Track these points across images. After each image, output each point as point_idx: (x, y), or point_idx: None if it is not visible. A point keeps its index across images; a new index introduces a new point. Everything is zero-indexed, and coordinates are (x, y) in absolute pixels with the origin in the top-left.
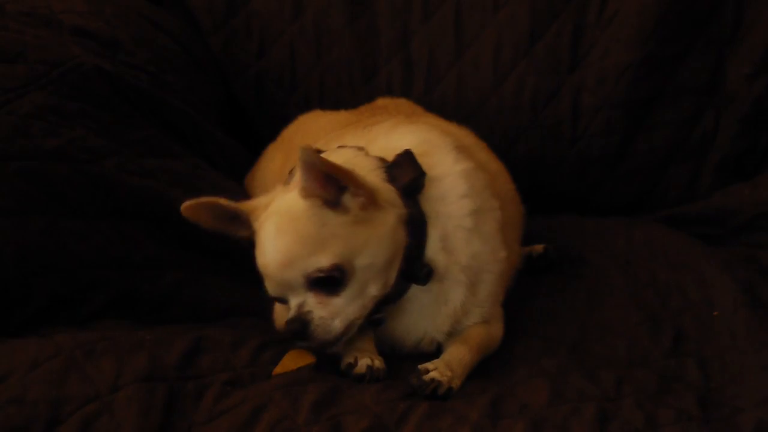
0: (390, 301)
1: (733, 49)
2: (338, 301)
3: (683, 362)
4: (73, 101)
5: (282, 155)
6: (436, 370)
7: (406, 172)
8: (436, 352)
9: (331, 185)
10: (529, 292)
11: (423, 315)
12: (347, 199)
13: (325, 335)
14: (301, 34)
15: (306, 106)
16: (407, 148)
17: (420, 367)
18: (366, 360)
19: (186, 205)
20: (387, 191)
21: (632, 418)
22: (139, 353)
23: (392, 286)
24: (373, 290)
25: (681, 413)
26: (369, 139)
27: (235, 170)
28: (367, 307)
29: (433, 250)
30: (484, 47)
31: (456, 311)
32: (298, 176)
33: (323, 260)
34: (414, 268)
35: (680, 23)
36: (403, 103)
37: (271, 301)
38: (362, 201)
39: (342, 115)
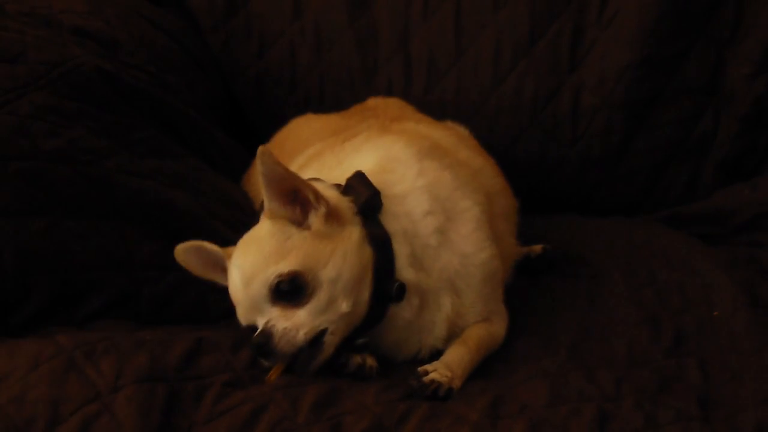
0: (371, 324)
1: (733, 49)
2: (302, 313)
3: (683, 362)
4: (73, 101)
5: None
6: (435, 372)
7: (359, 194)
8: (436, 353)
9: (295, 204)
10: (529, 292)
11: (413, 329)
12: (311, 218)
13: (289, 347)
14: (301, 34)
15: (306, 106)
16: (366, 167)
17: (419, 369)
18: (357, 358)
19: (178, 249)
20: (347, 208)
21: (632, 418)
22: (139, 353)
23: (367, 306)
24: (344, 306)
25: (681, 413)
26: (340, 158)
27: (235, 170)
28: (340, 326)
29: (402, 267)
30: (484, 47)
31: (449, 316)
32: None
33: (283, 267)
34: (385, 286)
35: (680, 23)
36: (394, 102)
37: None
38: (323, 213)
39: (333, 119)
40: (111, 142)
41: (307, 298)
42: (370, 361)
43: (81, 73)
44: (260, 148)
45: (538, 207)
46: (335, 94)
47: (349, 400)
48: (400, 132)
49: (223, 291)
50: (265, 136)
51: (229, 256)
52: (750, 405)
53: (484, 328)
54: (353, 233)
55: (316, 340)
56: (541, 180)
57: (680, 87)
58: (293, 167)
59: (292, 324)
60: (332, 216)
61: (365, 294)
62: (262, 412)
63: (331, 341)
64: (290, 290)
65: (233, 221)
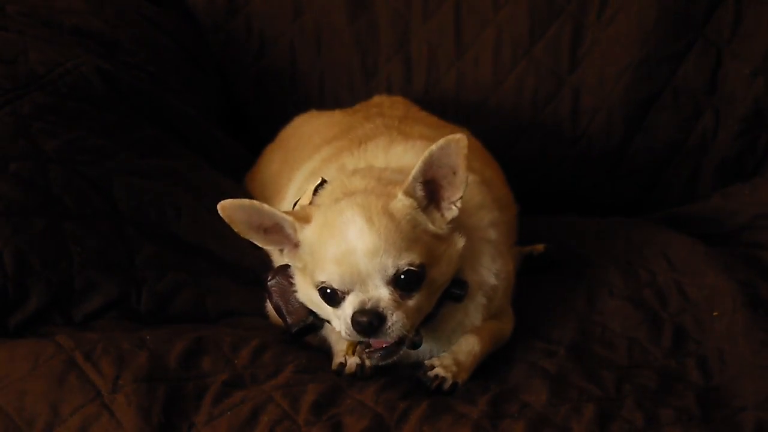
0: (428, 320)
1: (733, 49)
2: (411, 303)
3: (683, 362)
4: (73, 101)
5: (280, 157)
6: (440, 366)
7: None
8: None
9: (427, 193)
10: (529, 292)
11: (435, 338)
12: (432, 212)
13: (396, 334)
14: (301, 34)
15: (306, 106)
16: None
17: (426, 362)
18: (355, 359)
19: (224, 204)
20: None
21: (632, 417)
22: (139, 353)
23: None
24: (427, 306)
25: (681, 413)
26: (368, 158)
27: (235, 170)
28: (418, 322)
29: (464, 268)
30: (484, 47)
31: (473, 330)
32: (407, 176)
33: (416, 258)
34: (450, 287)
35: (680, 23)
36: (398, 101)
37: (327, 294)
38: (452, 216)
39: (336, 116)
40: (111, 142)
41: (417, 291)
42: (369, 362)
43: (81, 73)
44: (460, 136)
45: (538, 207)
46: (335, 94)
47: (349, 399)
48: (421, 137)
49: (223, 291)
50: (266, 136)
51: (302, 220)
52: (750, 405)
53: (495, 323)
54: (459, 242)
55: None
56: (541, 180)
57: (680, 87)
58: (304, 173)
59: (404, 313)
60: (449, 224)
61: (437, 299)
62: (262, 411)
63: (412, 335)
64: (409, 282)
65: None
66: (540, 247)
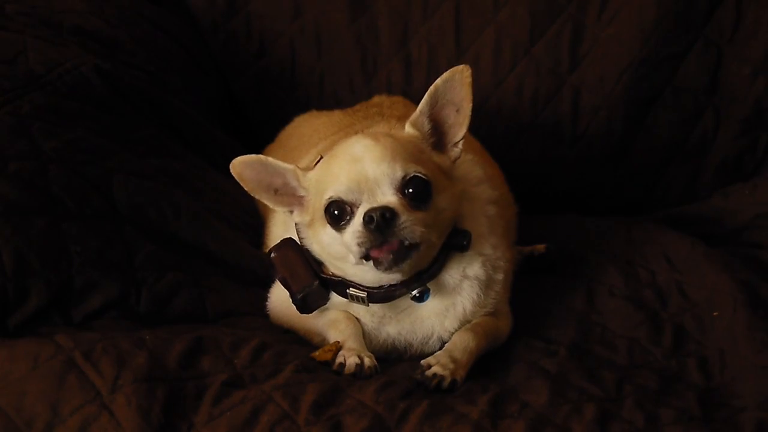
0: (432, 272)
1: (733, 49)
2: (421, 215)
3: (683, 362)
4: (73, 101)
5: (279, 157)
6: (438, 365)
7: None
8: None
9: (434, 133)
10: (529, 292)
11: (433, 313)
12: (440, 152)
13: (407, 235)
14: (301, 34)
15: (306, 106)
16: None
17: (422, 362)
18: (354, 359)
19: (235, 162)
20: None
21: (633, 418)
22: (139, 353)
23: (437, 251)
24: (434, 237)
25: (681, 413)
26: None
27: None
28: (425, 251)
29: (465, 219)
30: (484, 47)
31: (465, 313)
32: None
33: (423, 170)
34: (451, 238)
35: (680, 23)
36: (398, 101)
37: (333, 213)
38: (455, 156)
39: (336, 116)
40: (111, 142)
41: (423, 208)
42: (368, 361)
43: (81, 73)
44: (464, 66)
45: (538, 207)
46: (335, 94)
47: (349, 399)
48: None
49: (223, 291)
50: (266, 136)
51: (305, 169)
52: (750, 405)
53: (491, 320)
54: (458, 186)
55: (416, 247)
56: (541, 180)
57: (680, 87)
58: (303, 164)
59: (416, 218)
60: (453, 163)
61: (443, 239)
62: (262, 411)
63: (423, 254)
64: (417, 192)
65: (234, 219)
66: (540, 247)
